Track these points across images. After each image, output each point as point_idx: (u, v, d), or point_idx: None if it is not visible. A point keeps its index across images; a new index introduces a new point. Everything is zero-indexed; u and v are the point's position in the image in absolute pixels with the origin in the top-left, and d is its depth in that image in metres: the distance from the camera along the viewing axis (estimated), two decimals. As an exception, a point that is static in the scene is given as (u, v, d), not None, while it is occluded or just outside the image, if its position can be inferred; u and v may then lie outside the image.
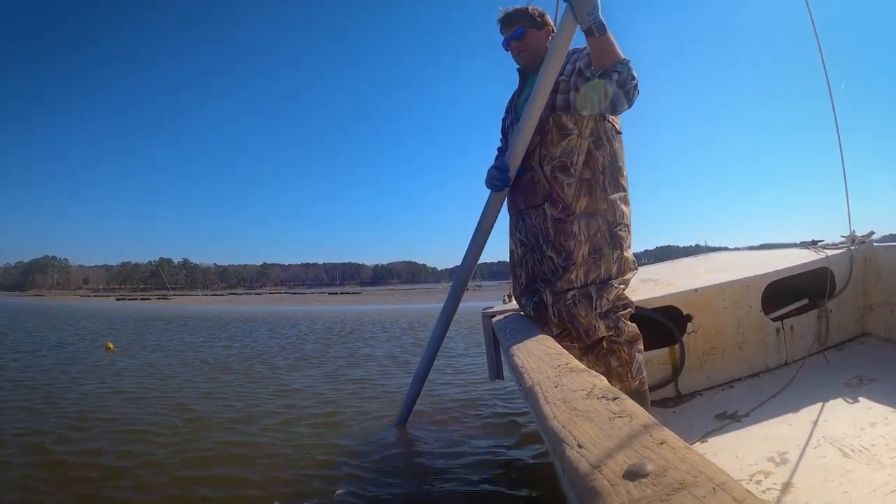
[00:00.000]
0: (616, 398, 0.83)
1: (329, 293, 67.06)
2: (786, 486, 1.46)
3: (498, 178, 2.07)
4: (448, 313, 2.71)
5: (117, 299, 54.24)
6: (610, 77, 1.71)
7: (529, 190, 2.01)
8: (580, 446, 0.67)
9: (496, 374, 2.38)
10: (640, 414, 0.74)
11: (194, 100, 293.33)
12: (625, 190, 1.93)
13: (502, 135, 2.29)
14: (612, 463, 0.60)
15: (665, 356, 2.44)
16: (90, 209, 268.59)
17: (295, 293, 74.71)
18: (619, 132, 1.97)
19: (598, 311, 1.83)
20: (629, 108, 1.79)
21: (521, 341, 1.59)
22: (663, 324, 2.43)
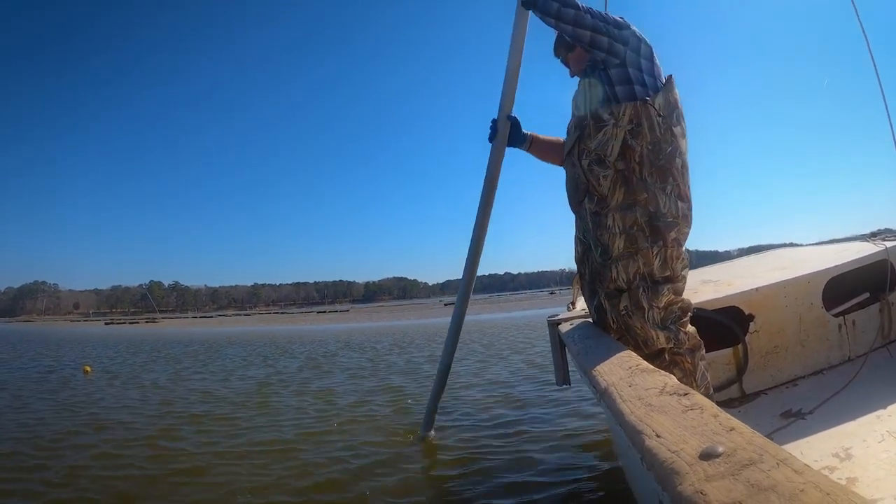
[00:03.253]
0: (686, 394, 0.93)
1: (317, 312, 67.98)
2: (850, 481, 1.49)
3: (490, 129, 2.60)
4: (459, 312, 3.13)
5: (106, 323, 55.18)
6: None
7: (574, 187, 2.01)
8: (658, 436, 0.77)
9: (563, 379, 2.46)
10: (710, 406, 0.85)
11: (184, 121, 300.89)
12: (676, 181, 1.81)
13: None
14: (687, 448, 0.71)
15: (729, 357, 2.47)
16: (80, 233, 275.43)
17: (284, 313, 75.76)
18: (661, 116, 1.81)
19: (651, 321, 1.79)
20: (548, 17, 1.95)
21: (590, 346, 1.70)
22: (726, 325, 2.46)
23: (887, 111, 2.78)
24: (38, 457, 3.41)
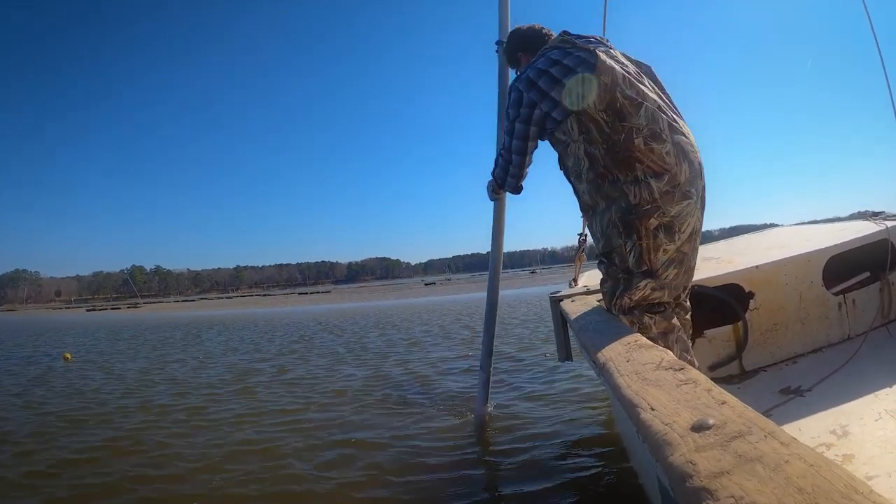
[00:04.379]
0: (681, 369, 0.95)
1: (299, 293, 68.83)
2: (846, 458, 1.52)
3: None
4: (492, 287, 3.06)
5: (87, 310, 55.77)
6: None
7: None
8: (653, 409, 0.80)
9: (565, 355, 2.49)
10: (704, 381, 0.87)
11: (165, 105, 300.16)
12: (643, 161, 1.72)
13: None
14: (680, 420, 0.73)
15: (729, 333, 2.50)
16: (60, 219, 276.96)
17: (267, 295, 76.56)
18: (602, 110, 1.75)
19: (618, 307, 1.80)
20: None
21: (590, 323, 1.72)
22: (726, 302, 2.48)
23: (889, 91, 2.74)
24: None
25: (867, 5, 2.74)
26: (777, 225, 4.24)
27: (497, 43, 3.08)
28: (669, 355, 1.08)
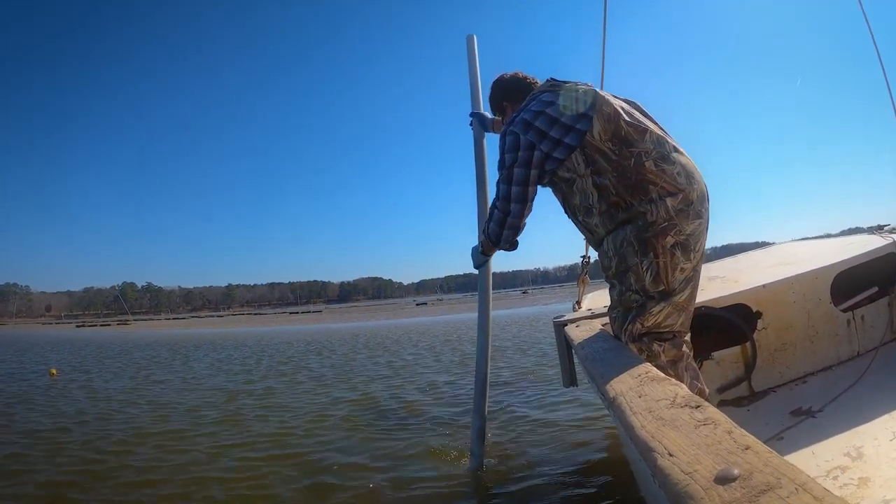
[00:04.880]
0: (699, 406, 0.91)
1: (290, 313, 70.12)
2: (862, 481, 1.48)
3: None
4: (483, 309, 2.98)
5: (77, 326, 55.69)
6: None
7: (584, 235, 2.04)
8: (671, 455, 0.75)
9: (570, 381, 2.44)
10: (724, 421, 0.82)
11: (158, 122, 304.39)
12: (656, 183, 1.70)
13: None
14: (701, 469, 0.68)
15: (737, 355, 2.45)
16: (53, 234, 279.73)
17: (258, 314, 76.95)
18: (607, 139, 1.73)
19: (628, 333, 1.75)
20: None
21: (597, 351, 1.67)
22: (734, 322, 2.44)
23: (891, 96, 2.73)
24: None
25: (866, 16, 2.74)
26: (770, 243, 4.21)
27: (471, 115, 2.98)
28: (684, 389, 1.03)
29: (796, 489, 0.59)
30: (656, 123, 1.85)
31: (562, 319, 2.48)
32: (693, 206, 1.71)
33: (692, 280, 1.75)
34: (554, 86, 1.87)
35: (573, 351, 2.18)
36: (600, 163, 1.74)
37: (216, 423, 4.47)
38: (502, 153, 1.89)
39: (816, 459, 1.69)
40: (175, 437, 4.02)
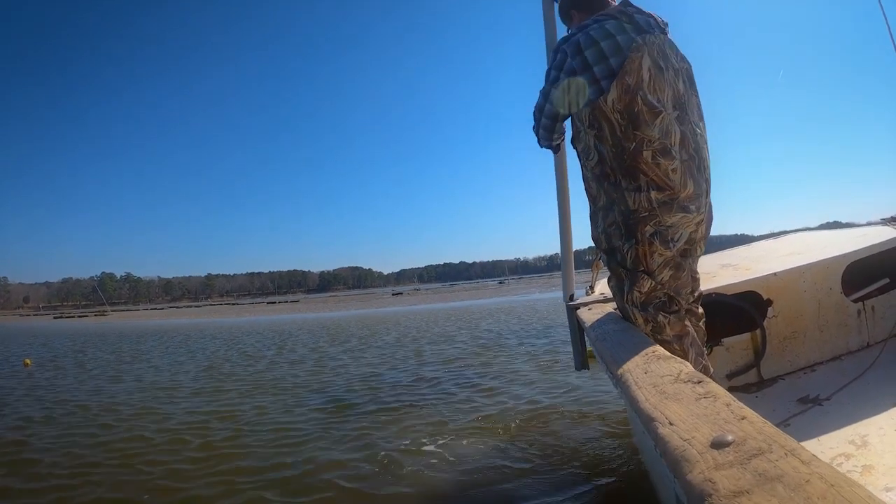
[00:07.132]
0: (700, 381, 0.95)
1: (268, 303, 70.07)
2: (866, 469, 1.50)
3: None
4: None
5: (55, 318, 56.09)
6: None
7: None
8: (671, 423, 0.79)
9: (581, 364, 2.48)
10: (723, 395, 0.86)
11: (137, 108, 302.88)
12: (647, 175, 1.71)
13: None
14: (698, 436, 0.73)
15: (747, 341, 2.47)
16: (30, 225, 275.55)
17: (237, 304, 77.29)
18: (618, 112, 1.70)
19: (631, 302, 1.78)
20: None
21: (608, 332, 1.71)
22: (744, 309, 2.46)
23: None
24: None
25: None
26: (751, 236, 4.17)
27: None
28: (688, 367, 1.07)
29: (785, 454, 0.63)
30: (694, 95, 1.82)
31: (575, 303, 2.51)
32: (679, 201, 1.72)
33: (672, 264, 1.76)
34: (623, 13, 1.78)
35: (585, 334, 2.22)
36: (605, 131, 1.75)
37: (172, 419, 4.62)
38: (550, 66, 1.88)
39: (821, 446, 1.71)
40: (137, 440, 3.95)
